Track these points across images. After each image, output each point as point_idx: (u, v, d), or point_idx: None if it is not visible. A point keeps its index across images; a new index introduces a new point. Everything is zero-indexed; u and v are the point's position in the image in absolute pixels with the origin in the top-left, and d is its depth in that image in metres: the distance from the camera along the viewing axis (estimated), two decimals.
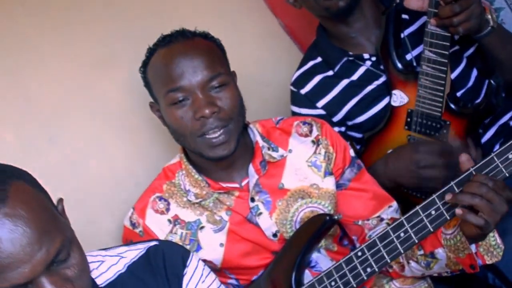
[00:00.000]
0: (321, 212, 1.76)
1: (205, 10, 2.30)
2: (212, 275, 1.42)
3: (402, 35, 1.89)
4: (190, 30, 1.71)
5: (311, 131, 1.81)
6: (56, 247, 1.08)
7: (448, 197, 1.44)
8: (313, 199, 1.76)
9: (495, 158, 1.41)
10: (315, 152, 1.79)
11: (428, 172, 1.80)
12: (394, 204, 1.83)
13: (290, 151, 1.78)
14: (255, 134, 1.78)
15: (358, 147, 2.03)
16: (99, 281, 1.30)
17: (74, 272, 1.12)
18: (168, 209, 1.75)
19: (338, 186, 1.81)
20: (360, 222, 1.80)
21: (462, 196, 1.41)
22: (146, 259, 1.35)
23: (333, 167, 1.79)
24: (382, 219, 1.80)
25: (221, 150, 1.64)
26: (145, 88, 1.75)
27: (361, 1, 1.90)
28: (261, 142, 1.76)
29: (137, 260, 1.35)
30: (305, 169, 1.78)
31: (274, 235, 1.73)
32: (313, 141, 1.80)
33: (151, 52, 1.71)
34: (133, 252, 1.36)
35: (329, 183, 1.78)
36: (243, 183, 1.75)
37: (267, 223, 1.73)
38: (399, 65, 1.85)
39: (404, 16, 1.89)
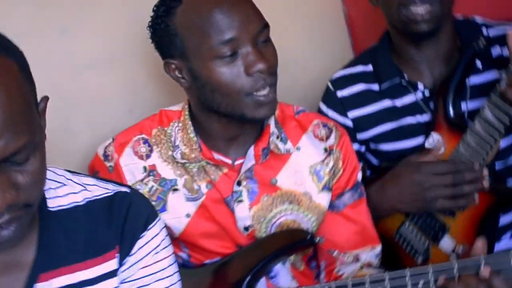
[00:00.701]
0: (304, 224, 1.61)
1: None
2: (169, 250, 1.27)
3: (466, 81, 1.71)
4: None
5: (328, 137, 1.64)
6: (18, 145, 0.96)
7: (440, 280, 1.34)
8: (300, 208, 1.60)
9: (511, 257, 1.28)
10: (323, 161, 1.62)
11: (434, 192, 1.63)
12: (378, 248, 1.68)
13: (298, 148, 1.62)
14: (271, 117, 1.59)
15: (368, 172, 1.87)
16: (50, 204, 1.16)
17: (25, 180, 1.00)
18: (148, 156, 1.58)
19: (331, 206, 1.64)
20: (335, 253, 1.65)
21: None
22: (110, 202, 1.20)
23: (334, 184, 1.63)
24: (358, 259, 1.64)
25: (267, 109, 1.46)
26: (157, 46, 1.52)
27: (441, 30, 1.71)
28: (272, 127, 1.59)
29: (100, 199, 1.20)
30: (306, 174, 1.61)
31: (246, 228, 1.57)
32: (325, 149, 1.63)
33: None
34: (100, 190, 1.22)
35: (323, 199, 1.62)
36: (237, 163, 1.58)
37: (244, 213, 1.57)
38: (451, 112, 1.68)
39: (478, 63, 1.71)
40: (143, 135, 1.60)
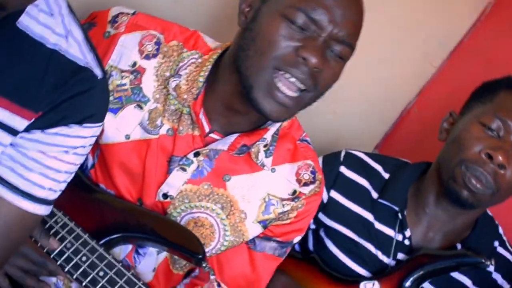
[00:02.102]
0: (216, 238, 1.46)
1: None
2: (77, 160, 1.11)
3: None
4: None
5: (306, 184, 1.49)
6: None
7: None
8: (226, 220, 1.45)
9: None
10: (282, 200, 1.48)
11: None
12: None
13: (273, 170, 1.46)
14: (276, 124, 1.44)
15: (297, 246, 1.72)
16: (22, 21, 1.00)
17: None
18: (147, 57, 1.42)
19: (251, 240, 1.50)
20: (212, 278, 1.46)
21: None
22: (74, 71, 1.04)
23: (272, 226, 1.49)
24: None
25: (275, 106, 1.30)
26: None
27: (468, 212, 1.61)
28: (268, 135, 1.43)
29: (69, 61, 1.04)
30: (258, 197, 1.46)
31: (165, 195, 1.41)
32: (294, 191, 1.48)
33: None
34: (77, 52, 1.06)
35: (253, 230, 1.48)
36: (211, 135, 1.42)
37: (176, 182, 1.41)
38: (407, 285, 1.57)
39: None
40: (162, 36, 1.43)
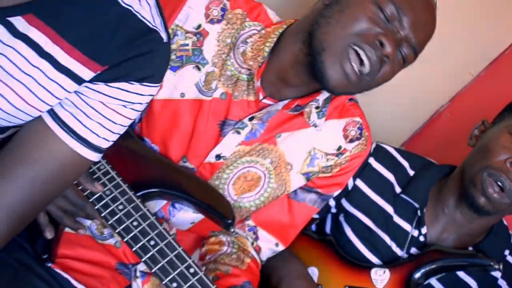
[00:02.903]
0: (261, 187, 1.54)
1: None
2: (132, 115, 1.15)
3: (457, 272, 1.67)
4: None
5: (352, 140, 1.59)
6: None
7: None
8: (273, 172, 1.54)
9: None
10: (327, 154, 1.56)
11: None
12: (280, 248, 1.62)
13: (320, 129, 1.54)
14: None
15: (313, 227, 1.81)
16: None
17: None
18: (212, 22, 1.48)
19: (294, 190, 1.59)
20: (248, 221, 1.59)
21: None
22: (141, 32, 1.08)
23: (315, 179, 1.58)
24: (256, 239, 1.59)
25: (340, 75, 1.37)
26: None
27: (485, 218, 1.67)
28: (321, 96, 1.51)
29: (139, 21, 1.08)
30: (305, 149, 1.55)
31: (218, 156, 1.49)
32: (340, 147, 1.57)
33: None
34: (147, 15, 1.10)
35: (296, 181, 1.57)
36: (265, 101, 1.50)
37: (230, 144, 1.49)
38: (416, 276, 1.63)
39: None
40: (228, 3, 1.50)
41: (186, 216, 1.54)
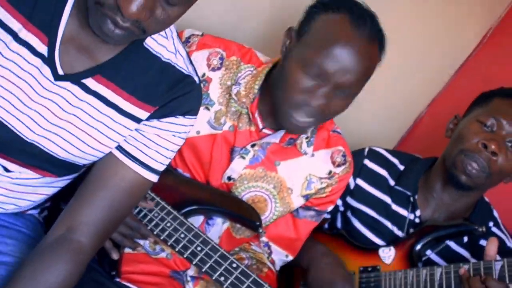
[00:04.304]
0: (269, 209, 1.81)
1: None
2: (180, 143, 1.44)
3: (446, 241, 1.94)
4: (377, 25, 1.64)
5: (339, 166, 1.84)
6: None
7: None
8: (277, 196, 1.80)
9: None
10: (321, 178, 1.82)
11: None
12: (290, 259, 1.89)
13: (312, 155, 1.81)
14: None
15: (326, 226, 2.08)
16: (147, 41, 1.34)
17: (161, 16, 1.18)
18: (213, 70, 1.77)
19: (295, 210, 1.86)
20: (263, 238, 1.86)
21: None
22: (180, 78, 1.38)
23: (312, 199, 1.84)
24: (270, 254, 1.86)
25: (300, 129, 1.68)
26: (302, 16, 1.68)
27: (469, 194, 1.94)
28: (309, 131, 1.78)
29: (177, 70, 1.38)
30: (302, 176, 1.81)
31: (229, 178, 1.77)
32: (330, 172, 1.83)
33: (338, 7, 1.61)
34: (183, 64, 1.39)
35: (297, 202, 1.83)
36: (264, 130, 1.77)
37: (237, 167, 1.76)
38: (417, 248, 1.89)
39: (465, 238, 1.94)
40: (224, 53, 1.78)
41: (217, 230, 1.82)
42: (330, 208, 1.90)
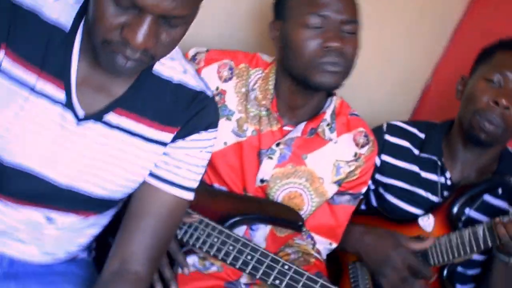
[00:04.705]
0: (306, 203, 1.86)
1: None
2: (209, 156, 1.49)
3: (483, 196, 1.97)
4: None
5: (363, 146, 1.89)
6: (182, 12, 1.18)
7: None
8: (311, 187, 1.85)
9: None
10: (348, 162, 1.87)
11: (389, 272, 1.87)
12: (334, 246, 1.94)
13: (336, 142, 1.86)
14: (330, 106, 1.85)
15: (363, 207, 2.13)
16: (155, 67, 1.38)
17: (166, 40, 1.22)
18: (226, 81, 1.83)
19: (330, 198, 1.91)
20: (304, 230, 1.90)
21: None
22: (194, 96, 1.42)
23: (344, 183, 1.89)
24: (314, 243, 1.91)
25: (330, 77, 1.70)
26: (274, 5, 1.78)
27: (491, 149, 1.98)
28: (327, 115, 1.84)
29: (189, 89, 1.43)
30: (330, 163, 1.86)
31: (261, 181, 1.82)
32: (356, 154, 1.88)
33: None
34: (193, 82, 1.44)
35: (331, 189, 1.88)
36: (285, 128, 1.83)
37: (267, 169, 1.81)
38: (455, 210, 1.94)
39: (499, 189, 1.98)
40: (232, 63, 1.84)
41: (262, 234, 1.87)
42: (364, 189, 1.95)
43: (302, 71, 1.71)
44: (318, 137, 1.84)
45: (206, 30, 2.08)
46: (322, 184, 1.86)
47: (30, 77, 1.30)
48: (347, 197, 1.92)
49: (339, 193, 1.90)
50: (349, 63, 1.73)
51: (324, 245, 1.93)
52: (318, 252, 1.92)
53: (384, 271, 1.88)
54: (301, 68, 1.71)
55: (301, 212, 1.85)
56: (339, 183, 1.88)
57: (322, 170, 1.86)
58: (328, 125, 1.84)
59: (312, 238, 1.92)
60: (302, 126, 1.82)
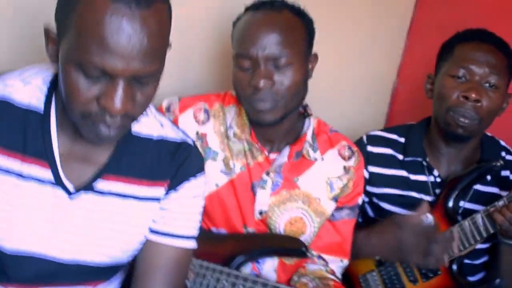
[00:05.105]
0: (308, 225, 1.87)
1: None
2: (203, 202, 1.51)
3: (473, 186, 2.00)
4: (283, 1, 1.76)
5: (349, 158, 1.92)
6: (151, 70, 1.19)
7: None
8: (308, 209, 1.86)
9: None
10: (339, 177, 1.89)
11: (410, 247, 1.85)
12: (346, 262, 1.95)
13: (323, 159, 1.88)
14: (309, 127, 1.88)
15: (360, 220, 2.13)
16: (133, 127, 1.40)
17: (141, 99, 1.23)
18: (204, 123, 1.85)
19: (330, 215, 1.91)
20: (312, 252, 1.91)
21: None
22: (176, 147, 1.45)
23: (340, 198, 1.90)
24: (326, 264, 1.91)
25: (265, 115, 1.73)
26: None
27: (471, 140, 2.01)
28: (308, 137, 1.86)
29: (170, 142, 1.45)
30: (322, 182, 1.88)
31: (260, 213, 1.84)
32: (345, 167, 1.90)
33: (244, 11, 1.76)
34: (172, 134, 1.46)
35: (329, 207, 1.90)
36: (271, 156, 1.85)
37: (263, 199, 1.83)
38: (450, 204, 1.97)
39: (488, 176, 2.00)
40: (206, 105, 1.87)
41: (270, 266, 1.88)
42: (360, 199, 1.96)
43: (245, 108, 1.78)
44: (304, 159, 1.86)
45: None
46: (320, 203, 1.88)
47: (14, 164, 1.31)
48: (346, 211, 1.93)
49: (337, 209, 1.92)
50: (285, 98, 1.73)
51: (336, 263, 1.93)
52: (333, 272, 1.92)
53: (406, 256, 1.87)
54: (244, 107, 1.78)
55: (305, 235, 1.87)
56: (335, 199, 1.90)
57: (316, 190, 1.88)
58: (310, 145, 1.87)
59: (323, 259, 1.93)
60: (286, 151, 1.84)
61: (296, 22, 1.73)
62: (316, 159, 1.87)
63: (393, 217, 1.92)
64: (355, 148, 1.95)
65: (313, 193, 1.87)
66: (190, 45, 2.11)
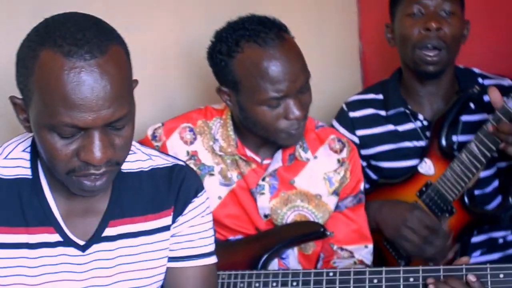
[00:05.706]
0: (313, 220, 1.89)
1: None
2: (211, 216, 1.53)
3: (460, 118, 2.02)
4: (280, 25, 1.77)
5: (341, 150, 1.93)
6: (122, 113, 1.20)
7: (430, 280, 1.61)
8: (309, 206, 1.89)
9: (488, 270, 1.58)
10: (335, 170, 1.92)
11: (409, 233, 1.93)
12: (370, 246, 1.97)
13: (315, 157, 1.91)
14: None
15: (367, 186, 2.15)
16: (123, 166, 1.40)
17: (121, 142, 1.24)
18: (192, 142, 1.87)
19: (335, 207, 1.94)
20: (335, 247, 1.93)
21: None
22: (169, 171, 1.46)
23: (341, 190, 1.93)
24: (353, 256, 1.93)
25: (296, 139, 1.80)
26: (213, 71, 1.80)
27: (444, 74, 2.03)
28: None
29: (162, 168, 1.46)
30: (320, 179, 1.91)
31: (265, 216, 1.87)
32: (338, 160, 1.92)
33: (237, 43, 1.71)
34: (162, 161, 1.48)
35: (331, 201, 1.92)
36: (264, 162, 1.88)
37: (264, 204, 1.87)
38: (444, 142, 1.99)
39: (471, 104, 2.03)
40: (189, 124, 1.89)
41: (293, 258, 1.92)
42: (361, 185, 1.98)
43: (270, 137, 1.79)
44: (298, 161, 1.89)
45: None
46: (321, 199, 1.90)
47: (21, 238, 1.34)
48: (349, 199, 1.95)
49: (341, 200, 1.94)
50: (306, 117, 1.79)
51: (361, 251, 1.95)
52: (361, 262, 1.93)
53: (403, 233, 1.94)
54: (268, 136, 1.79)
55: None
56: (336, 192, 1.92)
57: (315, 188, 1.90)
58: (300, 146, 1.89)
59: (347, 251, 1.94)
60: (279, 155, 1.87)
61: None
62: (308, 159, 1.90)
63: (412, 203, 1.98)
64: (344, 139, 1.97)
65: (312, 191, 1.90)
66: (164, 70, 2.17)
